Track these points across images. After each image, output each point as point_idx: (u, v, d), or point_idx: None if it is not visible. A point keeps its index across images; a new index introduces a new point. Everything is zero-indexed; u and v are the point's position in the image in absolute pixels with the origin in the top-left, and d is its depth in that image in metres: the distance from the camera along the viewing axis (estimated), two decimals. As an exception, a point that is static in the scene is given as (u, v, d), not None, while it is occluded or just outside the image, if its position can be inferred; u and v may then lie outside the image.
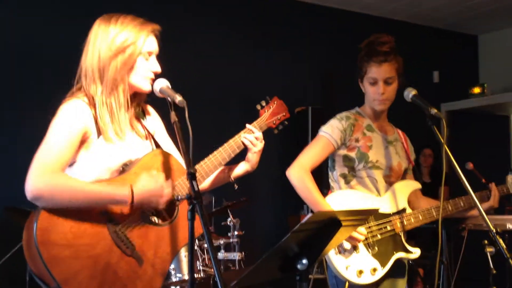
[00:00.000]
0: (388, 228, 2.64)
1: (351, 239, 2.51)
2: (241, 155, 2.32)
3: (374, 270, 2.57)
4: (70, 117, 1.96)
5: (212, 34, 5.72)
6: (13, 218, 3.92)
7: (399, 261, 2.67)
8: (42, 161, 1.88)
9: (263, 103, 2.42)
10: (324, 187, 2.93)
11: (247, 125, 2.32)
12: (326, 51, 6.40)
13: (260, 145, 2.29)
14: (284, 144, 5.82)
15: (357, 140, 2.69)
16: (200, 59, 5.52)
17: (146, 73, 2.08)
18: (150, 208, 2.01)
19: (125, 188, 1.93)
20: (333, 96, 5.98)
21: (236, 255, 4.28)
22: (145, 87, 2.09)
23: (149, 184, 1.97)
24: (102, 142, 2.00)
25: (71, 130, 1.94)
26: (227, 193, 4.67)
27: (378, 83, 2.66)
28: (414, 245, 2.71)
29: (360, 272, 2.54)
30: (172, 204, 2.07)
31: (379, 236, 2.61)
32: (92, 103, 2.02)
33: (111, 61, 2.02)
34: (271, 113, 2.40)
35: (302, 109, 5.88)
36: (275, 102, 2.44)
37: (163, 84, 2.07)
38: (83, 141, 1.98)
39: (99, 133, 2.00)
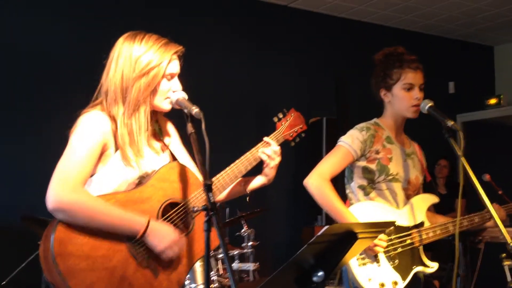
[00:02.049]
0: (408, 241, 2.63)
1: (373, 247, 2.50)
2: (257, 166, 2.32)
3: (395, 283, 2.56)
4: (90, 128, 1.97)
5: (225, 45, 5.74)
6: (30, 227, 3.95)
7: (415, 275, 2.65)
8: (65, 174, 1.89)
9: (280, 116, 2.41)
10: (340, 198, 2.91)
11: (265, 138, 2.30)
12: (341, 62, 6.40)
13: (277, 159, 2.27)
14: (298, 155, 5.81)
15: (377, 152, 2.67)
16: (213, 70, 5.54)
17: (167, 93, 2.09)
18: (150, 246, 1.97)
19: (143, 219, 1.94)
20: (348, 106, 5.97)
21: (250, 266, 4.27)
22: (165, 107, 2.11)
23: (165, 232, 1.97)
24: (119, 157, 2.01)
25: (92, 141, 1.95)
26: (241, 204, 4.68)
27: (415, 89, 2.65)
28: (431, 257, 2.69)
29: (382, 285, 2.53)
30: (188, 216, 2.08)
31: (400, 249, 2.60)
32: (112, 119, 2.02)
33: (134, 82, 2.02)
34: (288, 125, 2.40)
35: (317, 120, 5.88)
36: (292, 115, 2.43)
37: (179, 95, 2.09)
38: (102, 153, 1.99)
39: (116, 148, 2.01)
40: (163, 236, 1.95)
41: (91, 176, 2.00)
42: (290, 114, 2.43)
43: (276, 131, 2.37)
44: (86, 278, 1.84)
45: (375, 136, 2.68)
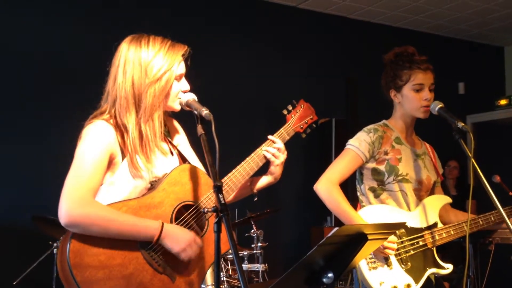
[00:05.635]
0: (421, 243, 2.62)
1: (383, 250, 2.49)
2: (265, 166, 2.31)
3: (408, 286, 2.54)
4: (96, 139, 1.95)
5: (234, 46, 5.75)
6: (41, 227, 3.98)
7: (427, 277, 2.63)
8: (74, 188, 1.87)
9: (290, 108, 2.36)
10: (349, 200, 2.91)
11: (269, 136, 2.26)
12: (350, 63, 6.39)
13: (282, 157, 2.23)
14: (308, 156, 5.82)
15: (386, 153, 2.66)
16: (223, 71, 5.55)
17: (177, 94, 2.08)
18: (168, 249, 1.97)
19: (156, 224, 1.93)
20: (357, 107, 5.97)
21: (259, 267, 4.27)
22: (177, 107, 2.11)
23: (181, 234, 1.96)
24: (128, 165, 1.99)
25: (98, 152, 1.93)
26: (251, 204, 4.68)
27: (425, 90, 2.65)
28: (441, 259, 2.67)
29: None
30: (202, 218, 2.07)
31: (412, 252, 2.59)
32: (119, 128, 2.00)
33: (148, 89, 2.00)
34: (298, 117, 2.36)
35: (326, 120, 5.88)
36: (302, 106, 2.39)
37: (189, 97, 2.08)
38: (109, 162, 1.97)
39: (123, 155, 1.99)
40: (179, 237, 1.94)
41: (100, 185, 1.98)
42: (300, 106, 2.39)
43: (286, 124, 2.33)
44: (104, 287, 1.85)
45: (383, 137, 2.67)
